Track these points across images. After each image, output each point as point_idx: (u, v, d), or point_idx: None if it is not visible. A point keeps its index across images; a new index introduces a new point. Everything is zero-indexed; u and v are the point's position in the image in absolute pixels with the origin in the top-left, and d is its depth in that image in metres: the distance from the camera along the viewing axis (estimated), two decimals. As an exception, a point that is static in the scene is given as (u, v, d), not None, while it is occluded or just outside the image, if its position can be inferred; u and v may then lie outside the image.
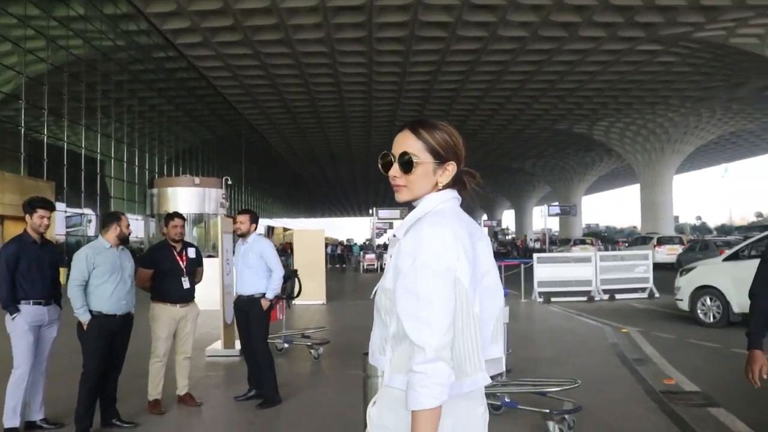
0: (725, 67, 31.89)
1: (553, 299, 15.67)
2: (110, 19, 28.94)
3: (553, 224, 62.29)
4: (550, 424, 5.00)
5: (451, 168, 1.89)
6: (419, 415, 1.66)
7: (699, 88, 35.84)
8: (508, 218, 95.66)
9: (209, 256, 12.46)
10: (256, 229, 6.67)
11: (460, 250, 1.76)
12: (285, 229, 61.63)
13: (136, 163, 33.75)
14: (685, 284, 11.72)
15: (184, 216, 6.50)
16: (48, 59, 24.71)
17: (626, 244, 39.20)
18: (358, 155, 58.12)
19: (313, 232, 18.68)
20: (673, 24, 26.30)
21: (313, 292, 14.81)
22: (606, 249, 36.82)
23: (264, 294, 6.39)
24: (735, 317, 10.66)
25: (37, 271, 5.30)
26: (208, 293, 8.41)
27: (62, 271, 5.97)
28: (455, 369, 1.73)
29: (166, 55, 32.75)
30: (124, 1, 27.80)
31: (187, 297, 6.19)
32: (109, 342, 5.36)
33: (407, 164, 1.86)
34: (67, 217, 25.73)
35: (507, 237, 68.37)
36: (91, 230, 27.90)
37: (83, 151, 27.57)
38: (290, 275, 8.60)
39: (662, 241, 30.34)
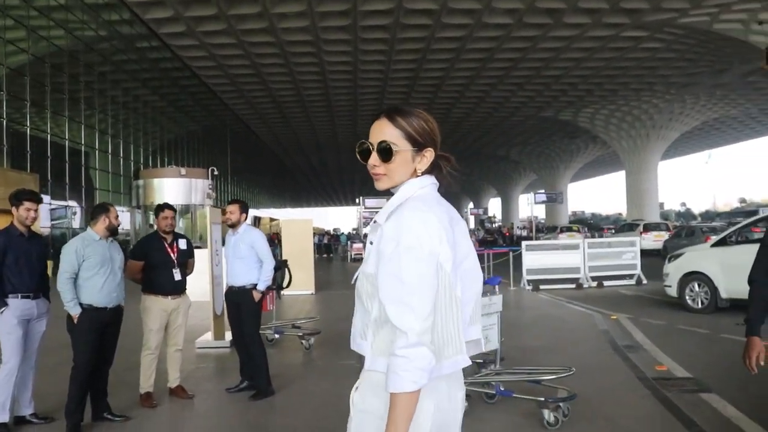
0: (709, 53, 32.01)
1: (541, 287, 15.72)
2: (92, 8, 28.61)
3: (540, 212, 62.45)
4: (545, 412, 5.00)
5: (429, 154, 1.91)
6: (398, 397, 1.68)
7: (683, 74, 35.97)
8: (494, 206, 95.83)
9: (197, 247, 12.36)
10: (246, 219, 6.61)
11: (442, 234, 1.78)
12: (271, 219, 61.37)
13: (121, 155, 33.49)
14: (674, 270, 11.77)
15: (175, 207, 6.43)
16: (29, 50, 24.40)
17: (612, 231, 39.45)
18: (345, 144, 57.89)
19: (301, 222, 18.61)
20: (657, 10, 26.34)
21: (301, 282, 14.77)
22: (592, 236, 37.03)
23: (255, 285, 6.35)
24: (723, 303, 10.75)
25: (25, 264, 5.22)
26: (197, 284, 8.34)
27: (48, 264, 5.89)
28: (436, 352, 1.76)
29: (150, 45, 32.43)
30: (105, -10, 27.52)
31: (179, 289, 6.14)
32: (99, 335, 5.30)
33: (386, 152, 1.87)
34: (51, 209, 25.49)
35: (494, 225, 68.45)
36: (76, 222, 27.68)
37: (67, 142, 27.32)
38: (280, 266, 8.54)
39: (648, 228, 30.54)
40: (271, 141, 59.32)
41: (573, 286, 15.83)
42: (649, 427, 5.10)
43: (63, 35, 26.85)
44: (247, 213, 6.60)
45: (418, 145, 1.88)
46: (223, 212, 6.73)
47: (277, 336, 9.12)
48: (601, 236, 35.67)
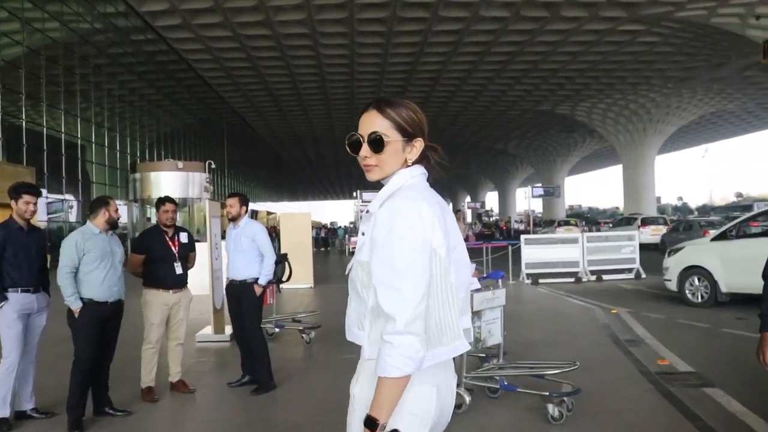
0: (706, 47, 31.96)
1: (541, 281, 15.72)
2: (87, 0, 28.43)
3: (537, 205, 62.45)
4: (550, 406, 4.98)
5: (419, 144, 1.93)
6: (383, 381, 1.71)
7: (680, 68, 35.92)
8: (491, 200, 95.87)
9: (196, 241, 12.32)
10: (246, 212, 6.56)
11: (435, 221, 1.80)
12: (268, 213, 61.30)
13: (118, 148, 33.32)
14: (673, 264, 11.76)
15: (176, 201, 6.38)
16: (24, 42, 24.25)
17: (608, 225, 39.43)
18: (341, 137, 56.00)
19: (300, 216, 18.57)
20: (654, 3, 26.27)
21: (300, 276, 14.74)
22: (589, 230, 37.03)
23: (256, 279, 6.31)
24: (723, 297, 10.74)
25: (25, 258, 5.17)
26: (197, 278, 8.30)
27: (47, 257, 5.84)
28: (434, 338, 1.79)
29: (146, 38, 32.23)
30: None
31: (180, 282, 6.10)
32: (100, 329, 5.26)
33: (377, 143, 1.88)
34: (48, 203, 25.36)
35: (491, 219, 68.45)
36: (72, 216, 27.56)
37: (63, 136, 27.15)
38: (281, 259, 8.50)
39: (646, 222, 30.50)
40: (268, 134, 59.15)
41: (572, 280, 15.85)
42: (654, 422, 5.08)
43: (58, 27, 26.65)
44: (247, 206, 6.56)
45: (407, 135, 1.90)
46: (223, 206, 6.68)
47: (277, 330, 9.09)
48: (598, 230, 35.65)
